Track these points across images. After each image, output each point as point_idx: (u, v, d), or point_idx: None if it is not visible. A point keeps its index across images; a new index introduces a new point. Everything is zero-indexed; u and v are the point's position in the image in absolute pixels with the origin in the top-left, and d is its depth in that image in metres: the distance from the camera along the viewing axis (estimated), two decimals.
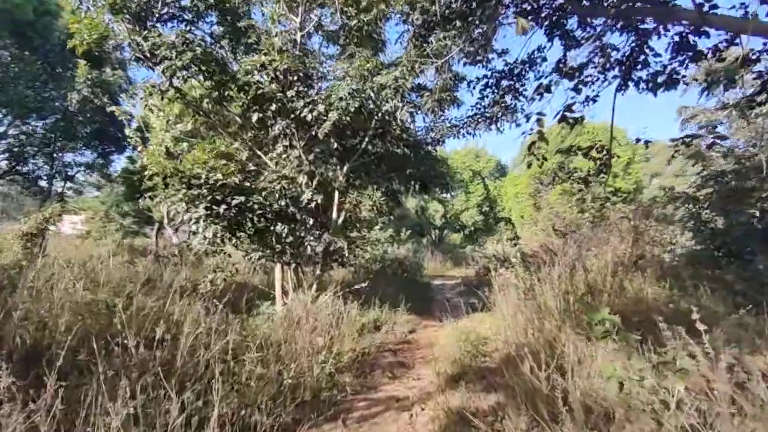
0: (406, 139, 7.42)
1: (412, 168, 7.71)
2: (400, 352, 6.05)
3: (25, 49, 15.13)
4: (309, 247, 5.76)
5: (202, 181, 5.00)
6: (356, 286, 6.60)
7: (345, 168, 6.58)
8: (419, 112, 6.83)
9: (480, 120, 6.85)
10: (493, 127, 6.91)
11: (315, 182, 6.45)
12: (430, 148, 7.67)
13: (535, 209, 30.43)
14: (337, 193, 6.74)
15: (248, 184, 5.50)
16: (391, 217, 16.84)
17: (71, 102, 14.53)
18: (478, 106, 6.67)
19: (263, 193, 5.43)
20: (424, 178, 7.93)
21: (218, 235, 5.20)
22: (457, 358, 5.07)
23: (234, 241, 5.45)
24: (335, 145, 5.96)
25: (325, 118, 5.25)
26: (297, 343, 5.08)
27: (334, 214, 6.87)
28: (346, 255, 6.37)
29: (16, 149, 17.11)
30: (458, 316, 8.81)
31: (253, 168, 6.04)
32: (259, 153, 6.25)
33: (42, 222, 10.84)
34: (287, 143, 5.85)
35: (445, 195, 32.48)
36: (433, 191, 8.09)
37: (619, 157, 28.61)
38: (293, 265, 6.90)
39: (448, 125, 7.29)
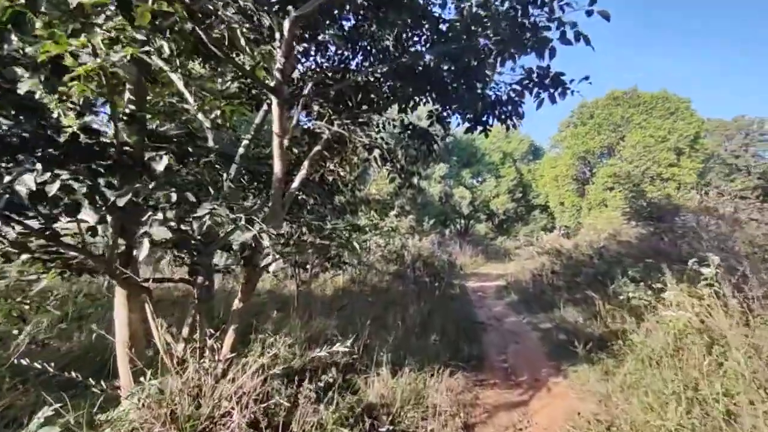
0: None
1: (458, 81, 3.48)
2: None
3: None
4: (146, 237, 1.75)
5: None
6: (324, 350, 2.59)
7: (287, 22, 2.39)
8: None
9: None
10: None
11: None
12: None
13: (578, 195, 25.60)
14: (276, 108, 2.57)
15: None
16: (409, 192, 12.67)
17: None
18: None
19: None
20: (482, 102, 3.63)
21: None
22: None
23: None
24: None
25: None
26: None
27: (276, 164, 2.75)
28: (275, 256, 2.29)
29: None
30: (541, 370, 4.61)
31: None
32: None
33: None
34: None
35: (472, 180, 28.02)
36: (489, 127, 3.62)
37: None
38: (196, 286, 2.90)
39: None
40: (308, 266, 6.63)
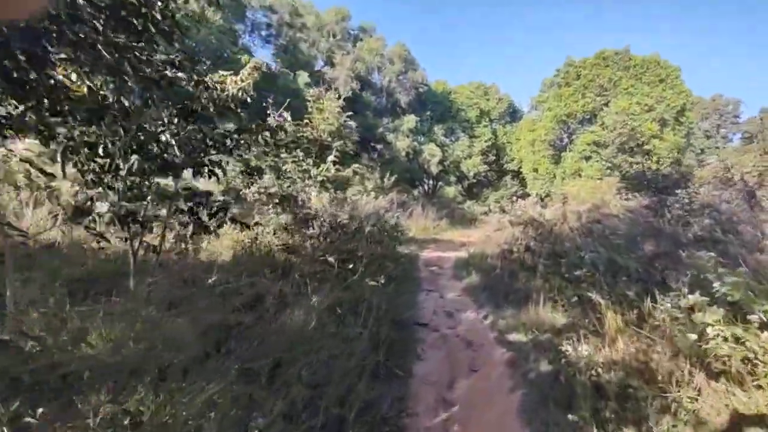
0: None
1: None
2: None
3: None
4: None
5: None
6: None
7: None
8: None
9: None
10: None
11: None
12: None
13: (553, 162, 23.59)
14: None
15: None
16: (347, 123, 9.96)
17: None
18: None
19: None
20: None
21: None
22: None
23: None
24: None
25: None
26: None
27: None
28: None
29: None
30: None
31: None
32: None
33: None
34: None
35: (444, 138, 25.35)
36: None
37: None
38: None
39: None
40: (148, 223, 4.00)
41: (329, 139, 7.94)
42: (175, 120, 4.24)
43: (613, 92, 21.80)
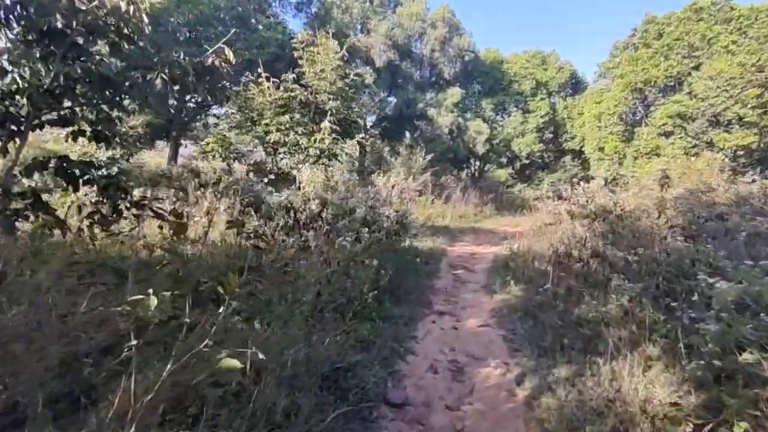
0: None
1: None
2: None
3: None
4: None
5: None
6: None
7: None
8: None
9: None
10: None
11: None
12: None
13: (623, 140, 19.76)
14: None
15: None
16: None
17: None
18: None
19: None
20: None
21: None
22: None
23: None
24: None
25: None
26: None
27: None
28: None
29: None
30: None
31: None
32: None
33: None
34: None
35: (493, 113, 22.37)
36: None
37: None
38: None
39: None
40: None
41: (328, 101, 6.07)
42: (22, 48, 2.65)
43: (706, 52, 17.52)
